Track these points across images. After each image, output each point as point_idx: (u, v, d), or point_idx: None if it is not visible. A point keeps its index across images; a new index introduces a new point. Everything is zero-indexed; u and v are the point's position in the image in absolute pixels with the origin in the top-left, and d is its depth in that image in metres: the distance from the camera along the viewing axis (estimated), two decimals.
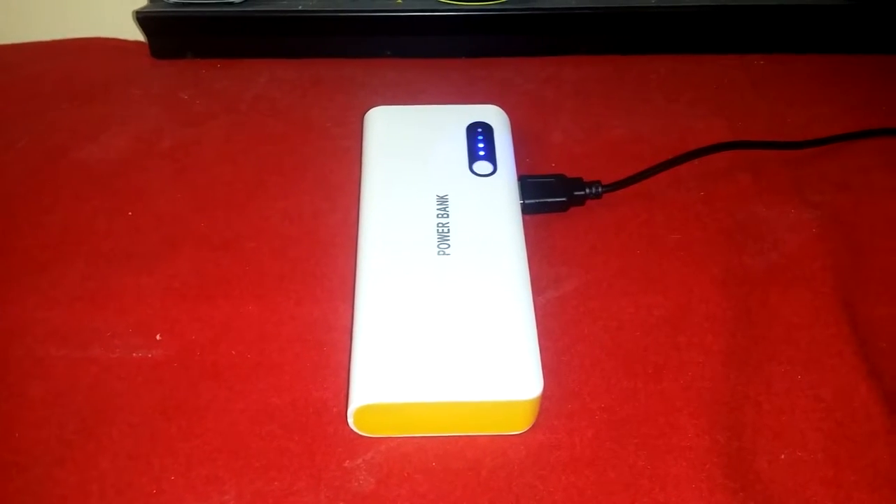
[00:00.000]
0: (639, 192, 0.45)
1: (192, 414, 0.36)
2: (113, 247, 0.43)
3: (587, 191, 0.44)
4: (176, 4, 0.54)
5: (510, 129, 0.46)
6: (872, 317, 0.40)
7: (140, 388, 0.37)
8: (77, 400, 0.37)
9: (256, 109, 0.52)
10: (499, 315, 0.36)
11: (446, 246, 0.38)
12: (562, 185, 0.45)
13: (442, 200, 0.40)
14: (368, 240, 0.39)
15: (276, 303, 0.40)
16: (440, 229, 0.39)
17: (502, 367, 0.34)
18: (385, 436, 0.35)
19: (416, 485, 0.34)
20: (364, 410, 0.34)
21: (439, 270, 0.37)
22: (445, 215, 0.40)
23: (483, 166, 0.42)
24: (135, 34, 0.58)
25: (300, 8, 0.54)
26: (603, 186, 0.44)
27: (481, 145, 0.44)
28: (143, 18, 0.55)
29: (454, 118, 0.45)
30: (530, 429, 0.35)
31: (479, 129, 0.45)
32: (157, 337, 0.39)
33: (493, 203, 0.41)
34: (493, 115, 0.46)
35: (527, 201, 0.43)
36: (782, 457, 0.35)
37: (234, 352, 0.38)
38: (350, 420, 0.34)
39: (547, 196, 0.44)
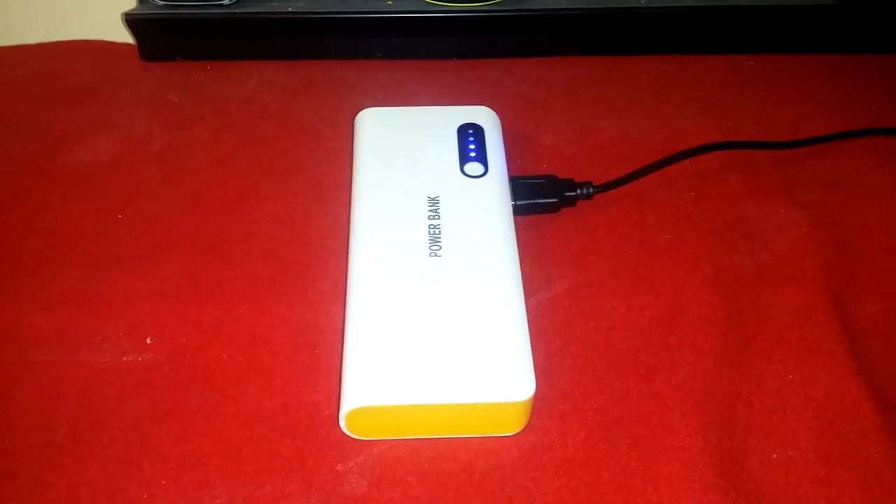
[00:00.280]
0: (630, 193, 0.45)
1: (182, 418, 0.36)
2: (102, 250, 0.43)
3: (578, 192, 0.44)
4: (165, 6, 0.54)
5: (501, 131, 0.46)
6: (863, 316, 0.40)
7: (130, 392, 0.37)
8: (67, 404, 0.36)
9: (247, 112, 0.52)
10: (491, 316, 0.36)
11: (438, 247, 0.38)
12: (553, 186, 0.45)
13: (433, 202, 0.40)
14: (360, 242, 0.39)
15: (268, 306, 0.40)
16: (431, 231, 0.39)
17: (494, 368, 0.34)
18: (377, 438, 0.35)
19: (408, 487, 0.34)
20: (356, 413, 0.34)
21: (431, 272, 0.37)
22: (437, 217, 0.40)
23: (474, 167, 0.42)
24: (124, 36, 0.57)
25: (290, 9, 0.54)
26: (594, 187, 0.44)
27: (472, 147, 0.44)
28: (132, 20, 0.55)
29: (445, 120, 0.45)
30: (523, 430, 0.35)
31: (470, 131, 0.45)
32: (147, 341, 0.39)
33: (485, 204, 0.41)
34: (483, 116, 0.46)
35: (518, 202, 0.43)
36: (774, 456, 0.35)
37: (224, 355, 0.38)
38: (342, 423, 0.34)
39: (538, 197, 0.44)
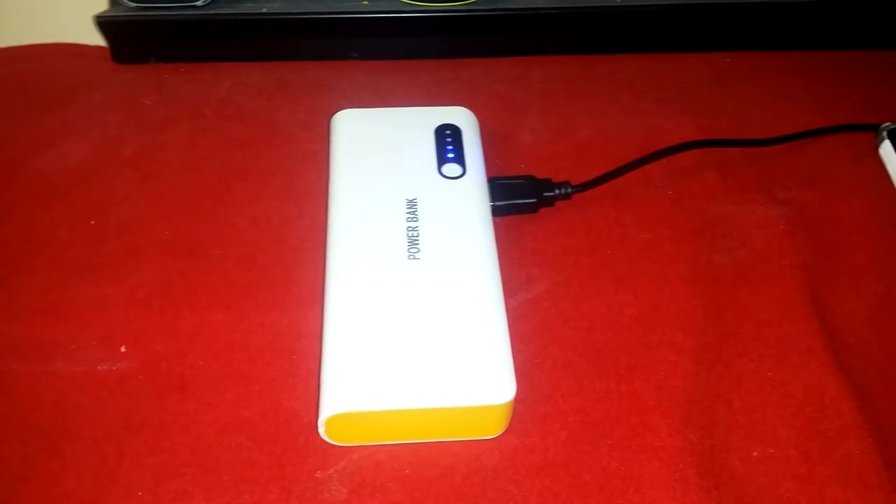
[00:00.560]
0: (608, 192, 0.45)
1: (158, 428, 0.35)
2: (75, 257, 0.42)
3: (557, 192, 0.44)
4: (137, 8, 0.53)
5: (479, 131, 0.46)
6: (840, 312, 0.40)
7: (105, 402, 0.36)
8: (40, 415, 0.36)
9: (221, 114, 0.51)
10: (470, 319, 0.35)
11: (416, 250, 0.38)
12: (531, 187, 0.44)
13: (411, 204, 0.40)
14: (337, 245, 0.39)
15: (244, 311, 0.40)
16: (410, 233, 0.39)
17: (475, 371, 0.34)
18: (357, 444, 0.35)
19: (389, 493, 0.33)
20: (335, 419, 0.33)
21: (409, 275, 0.37)
22: (415, 219, 0.39)
23: (452, 169, 0.42)
24: (96, 39, 0.56)
25: (264, 10, 0.54)
26: (572, 187, 0.44)
27: (450, 148, 0.43)
28: (103, 23, 0.54)
29: (422, 120, 0.45)
30: (504, 433, 0.35)
31: (448, 132, 0.44)
32: (122, 349, 0.38)
33: (463, 206, 0.40)
34: (461, 116, 0.46)
35: (497, 203, 0.43)
36: (754, 454, 0.35)
37: (201, 363, 0.38)
38: (321, 429, 0.34)
39: (517, 198, 0.44)
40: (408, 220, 0.39)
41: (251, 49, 0.55)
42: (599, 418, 0.36)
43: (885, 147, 0.48)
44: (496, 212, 0.43)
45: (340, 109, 0.46)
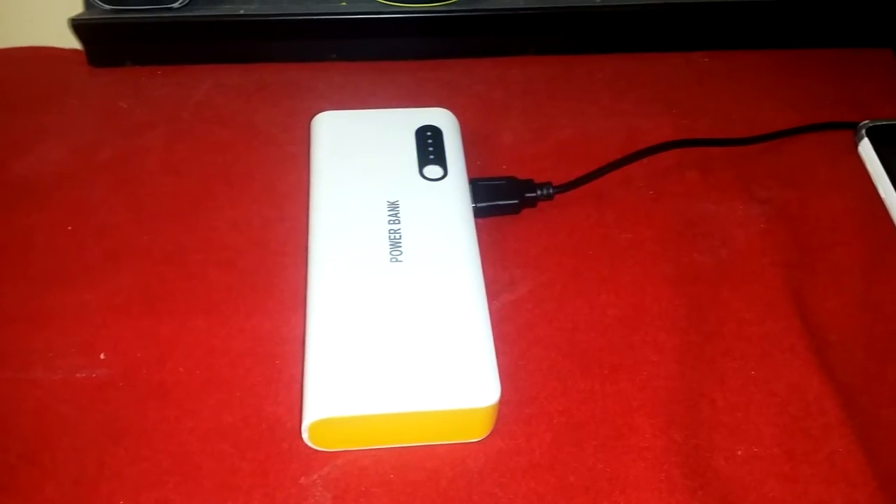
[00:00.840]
0: (590, 192, 0.45)
1: (139, 435, 0.35)
2: (52, 263, 0.42)
3: (538, 192, 0.44)
4: (112, 10, 0.53)
5: (460, 132, 0.46)
6: (822, 310, 0.40)
7: (85, 410, 0.36)
8: (19, 424, 0.35)
9: (199, 117, 0.51)
10: (454, 321, 0.35)
11: (398, 253, 0.38)
12: (513, 188, 0.44)
13: (393, 206, 0.40)
14: (319, 248, 0.38)
15: (225, 316, 0.39)
16: (392, 236, 0.38)
17: (459, 374, 0.33)
18: (341, 449, 0.35)
19: (374, 498, 0.33)
20: (319, 425, 0.33)
21: (392, 278, 0.37)
22: (397, 221, 0.39)
23: (433, 170, 0.42)
24: (71, 42, 0.56)
25: (242, 12, 0.53)
26: (554, 187, 0.44)
27: (431, 149, 0.43)
28: (78, 26, 0.53)
29: (403, 122, 0.45)
30: (489, 436, 0.35)
31: (429, 133, 0.44)
32: (101, 356, 0.38)
33: (445, 208, 0.40)
34: (442, 118, 0.45)
35: (479, 205, 0.43)
36: (739, 453, 0.35)
37: (181, 369, 0.37)
38: (304, 435, 0.34)
39: (499, 199, 0.44)
40: (390, 222, 0.39)
41: (229, 51, 0.55)
42: (584, 419, 0.36)
43: (864, 145, 0.48)
44: (478, 213, 0.43)
45: (320, 111, 0.46)
